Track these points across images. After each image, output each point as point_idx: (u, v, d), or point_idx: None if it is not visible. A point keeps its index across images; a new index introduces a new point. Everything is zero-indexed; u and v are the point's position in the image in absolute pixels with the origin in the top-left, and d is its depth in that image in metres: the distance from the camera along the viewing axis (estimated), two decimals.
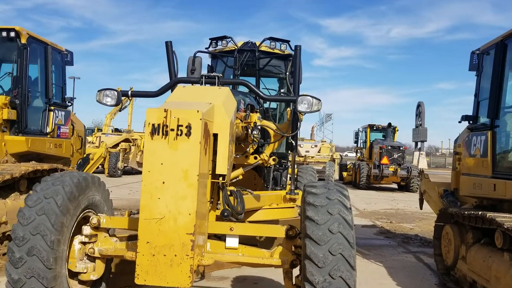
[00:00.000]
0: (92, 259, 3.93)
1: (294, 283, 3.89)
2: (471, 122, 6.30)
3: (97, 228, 3.87)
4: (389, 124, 22.86)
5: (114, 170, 20.22)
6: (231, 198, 4.68)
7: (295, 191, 6.36)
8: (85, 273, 3.89)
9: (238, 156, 6.49)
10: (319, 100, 4.47)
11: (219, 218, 4.11)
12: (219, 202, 4.11)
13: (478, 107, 6.23)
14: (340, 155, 25.44)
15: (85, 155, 9.76)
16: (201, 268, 3.38)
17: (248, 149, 6.21)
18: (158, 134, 3.11)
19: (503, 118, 5.56)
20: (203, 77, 4.30)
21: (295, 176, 8.89)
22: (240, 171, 6.45)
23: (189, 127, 3.11)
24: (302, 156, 22.83)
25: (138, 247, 3.09)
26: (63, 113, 8.49)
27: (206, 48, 7.50)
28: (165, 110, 3.12)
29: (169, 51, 5.84)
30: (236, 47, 7.41)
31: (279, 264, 3.81)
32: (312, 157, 22.99)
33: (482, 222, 4.99)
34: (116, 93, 4.25)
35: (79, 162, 9.52)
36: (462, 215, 5.54)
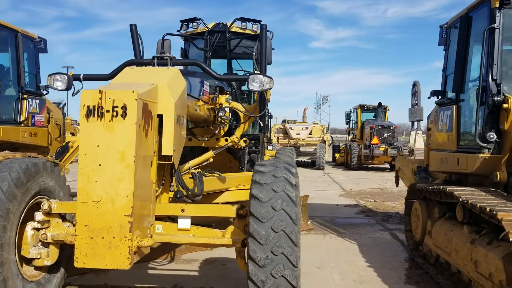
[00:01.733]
0: (45, 244, 3.92)
1: (246, 261, 3.91)
2: (439, 97, 6.27)
3: (49, 213, 3.86)
4: (379, 104, 22.81)
5: None
6: (190, 180, 4.69)
7: None
8: (38, 258, 3.89)
9: (207, 139, 6.49)
10: (271, 78, 4.43)
11: (175, 200, 4.12)
12: (172, 184, 4.11)
13: (446, 81, 6.19)
14: (331, 136, 25.41)
15: (64, 143, 9.71)
16: (146, 250, 3.36)
17: (217, 131, 6.19)
18: (94, 116, 3.09)
19: (468, 92, 5.53)
20: (155, 58, 4.26)
21: (274, 158, 8.91)
22: (210, 153, 6.45)
23: (124, 108, 3.08)
24: (293, 139, 22.81)
25: (77, 231, 3.10)
26: (37, 101, 8.42)
27: (177, 31, 7.43)
28: (100, 92, 3.10)
29: (133, 34, 5.77)
30: (207, 29, 7.34)
31: (230, 244, 3.82)
32: (303, 139, 22.95)
33: (445, 197, 5.00)
34: (66, 77, 4.21)
35: (58, 150, 9.49)
36: (427, 190, 5.55)
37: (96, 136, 3.08)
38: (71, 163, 10.06)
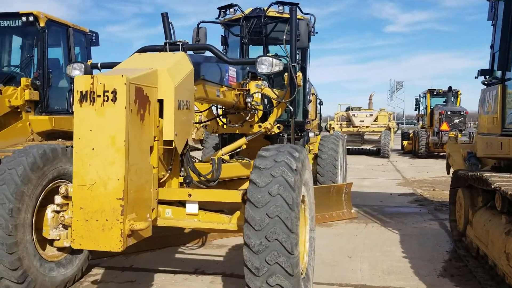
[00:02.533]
0: (65, 227, 4.08)
1: None
2: (487, 76, 5.76)
3: (66, 197, 4.00)
4: (450, 88, 21.52)
5: None
6: (207, 166, 4.67)
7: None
8: (58, 240, 4.07)
9: (237, 126, 6.45)
10: (280, 60, 4.28)
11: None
12: (182, 169, 4.11)
13: (493, 59, 5.66)
14: (397, 123, 24.34)
15: None
16: (145, 233, 3.39)
17: (248, 118, 6.13)
18: (86, 101, 3.14)
19: None
20: (167, 44, 4.27)
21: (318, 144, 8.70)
22: (242, 140, 6.41)
23: (114, 92, 3.10)
24: (356, 126, 22.19)
25: (73, 213, 3.18)
26: None
27: (216, 18, 7.41)
28: (92, 77, 3.14)
29: (165, 22, 5.82)
30: (243, 15, 7.27)
31: (235, 229, 3.76)
32: (367, 126, 22.22)
33: (481, 183, 4.60)
34: (83, 65, 4.33)
35: None
36: (467, 176, 5.14)
37: (88, 121, 3.13)
38: None
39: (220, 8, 7.32)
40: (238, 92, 5.65)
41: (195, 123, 11.06)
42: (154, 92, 3.47)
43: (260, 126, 6.36)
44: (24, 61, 7.89)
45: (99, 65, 4.48)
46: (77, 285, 4.47)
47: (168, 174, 3.94)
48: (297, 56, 8.12)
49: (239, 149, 6.34)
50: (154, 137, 3.53)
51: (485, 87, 5.85)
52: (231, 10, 7.21)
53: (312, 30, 8.28)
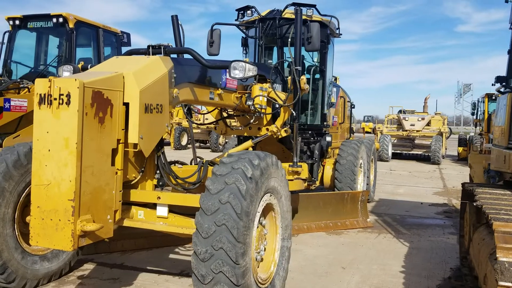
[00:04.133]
0: None
1: None
2: (503, 84, 5.36)
3: None
4: None
5: (178, 143, 22.06)
6: (192, 169, 4.69)
7: (299, 164, 6.08)
8: None
9: (241, 128, 6.43)
10: (254, 65, 4.21)
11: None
12: (158, 171, 4.16)
13: (511, 65, 5.27)
14: (450, 128, 23.16)
15: None
16: (104, 233, 3.46)
17: (251, 121, 6.10)
18: (44, 104, 3.25)
19: None
20: (150, 47, 4.34)
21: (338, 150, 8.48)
22: (248, 143, 6.41)
23: (68, 95, 3.19)
24: (406, 130, 21.41)
25: (31, 211, 3.30)
26: None
27: (235, 20, 7.43)
28: (50, 80, 3.25)
29: (174, 25, 5.93)
30: (259, 17, 7.23)
31: None
32: (418, 130, 21.37)
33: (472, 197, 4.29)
34: (73, 67, 4.49)
35: None
36: (469, 191, 4.82)
37: (46, 123, 3.24)
38: None
39: (238, 10, 7.32)
40: (240, 95, 5.64)
41: (202, 124, 11.13)
42: (118, 96, 3.53)
43: (267, 129, 6.32)
44: (53, 60, 8.30)
45: (89, 66, 4.63)
46: (64, 278, 4.64)
47: (140, 176, 4.00)
48: (315, 58, 8.03)
49: None
50: (119, 140, 3.60)
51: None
52: (248, 12, 7.19)
53: (337, 32, 8.11)
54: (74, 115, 3.18)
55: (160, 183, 4.10)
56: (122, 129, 3.61)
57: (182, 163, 5.17)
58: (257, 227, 3.72)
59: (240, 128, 6.46)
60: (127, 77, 3.59)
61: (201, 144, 23.80)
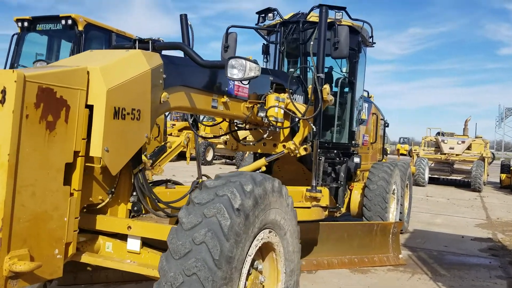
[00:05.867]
0: None
1: None
2: None
3: None
4: None
5: (203, 159, 20.53)
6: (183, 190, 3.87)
7: (318, 188, 5.17)
8: None
9: (254, 144, 5.61)
10: (257, 64, 3.37)
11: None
12: (134, 193, 3.35)
13: None
14: (492, 153, 21.59)
15: (162, 144, 9.70)
16: (46, 274, 2.66)
17: (265, 136, 5.26)
18: None
19: None
20: (136, 42, 3.59)
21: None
22: (261, 162, 5.58)
23: (4, 92, 2.43)
24: (445, 154, 20.03)
25: None
26: None
27: (256, 24, 6.66)
28: None
29: (183, 24, 5.20)
30: (281, 20, 6.44)
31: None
32: (457, 154, 19.97)
33: None
34: (46, 64, 3.78)
35: (154, 150, 9.49)
36: None
37: None
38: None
39: (258, 13, 6.55)
40: (251, 105, 4.82)
41: (208, 138, 10.34)
42: (78, 95, 2.76)
43: (284, 146, 5.47)
44: None
45: None
46: None
47: (109, 199, 3.21)
48: (344, 68, 7.15)
49: (258, 171, 5.48)
50: (77, 152, 2.81)
51: None
52: (270, 15, 6.42)
53: (370, 40, 7.22)
54: (8, 117, 2.41)
55: (135, 208, 3.29)
56: (83, 139, 2.83)
57: (176, 183, 4.36)
58: (249, 273, 2.85)
59: (253, 144, 5.63)
60: (93, 72, 2.82)
61: (227, 160, 23.08)
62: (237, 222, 2.42)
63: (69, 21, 7.46)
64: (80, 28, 7.48)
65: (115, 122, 2.90)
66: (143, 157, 7.21)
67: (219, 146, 20.90)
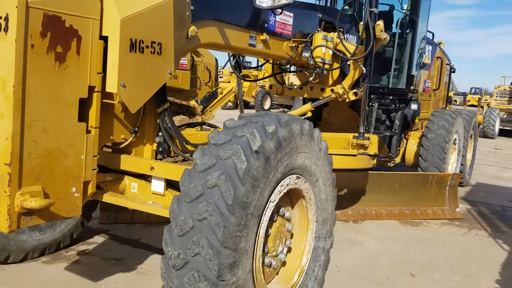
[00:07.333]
0: None
1: None
2: None
3: None
4: None
5: (261, 107, 20.02)
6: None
7: (366, 135, 4.80)
8: None
9: (299, 88, 5.27)
10: None
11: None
12: (160, 133, 3.18)
13: None
14: None
15: (213, 89, 9.52)
16: (62, 211, 2.58)
17: (310, 79, 4.89)
18: None
19: None
20: None
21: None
22: (307, 107, 5.28)
23: (6, 19, 2.26)
24: None
25: None
26: None
27: None
28: None
29: None
30: None
31: None
32: None
33: None
34: None
35: (205, 95, 9.37)
36: None
37: None
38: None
39: None
40: (294, 44, 4.45)
41: (250, 80, 9.98)
42: (90, 25, 2.54)
43: (332, 91, 5.10)
44: None
45: None
46: (61, 253, 3.92)
47: (132, 138, 3.06)
48: (406, 5, 6.53)
49: (303, 117, 5.18)
50: (93, 87, 2.64)
51: None
52: None
53: None
54: (11, 46, 2.25)
55: (160, 148, 3.13)
56: (99, 73, 2.64)
57: (211, 126, 4.17)
58: (274, 220, 2.62)
59: (299, 87, 5.29)
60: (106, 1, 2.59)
61: (285, 110, 22.70)
62: (255, 166, 2.18)
63: None
64: None
65: (132, 55, 2.68)
66: (193, 102, 7.08)
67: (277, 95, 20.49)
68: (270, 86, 5.70)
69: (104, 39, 2.64)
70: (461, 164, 7.44)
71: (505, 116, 18.80)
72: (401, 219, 5.63)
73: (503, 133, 18.74)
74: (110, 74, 2.63)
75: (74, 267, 3.69)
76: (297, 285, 2.81)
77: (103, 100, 2.74)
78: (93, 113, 2.69)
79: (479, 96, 27.64)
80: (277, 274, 2.79)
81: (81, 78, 2.56)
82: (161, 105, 3.05)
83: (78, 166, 2.64)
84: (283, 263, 2.81)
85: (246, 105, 21.66)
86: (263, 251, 2.51)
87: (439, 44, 8.40)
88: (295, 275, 2.81)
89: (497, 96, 19.98)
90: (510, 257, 4.63)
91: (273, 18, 4.13)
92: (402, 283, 3.84)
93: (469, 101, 28.76)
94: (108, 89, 2.65)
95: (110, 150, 3.21)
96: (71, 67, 2.50)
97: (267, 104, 21.63)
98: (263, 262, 2.53)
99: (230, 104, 20.42)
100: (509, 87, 19.69)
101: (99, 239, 4.30)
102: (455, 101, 31.62)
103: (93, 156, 2.73)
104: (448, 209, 5.97)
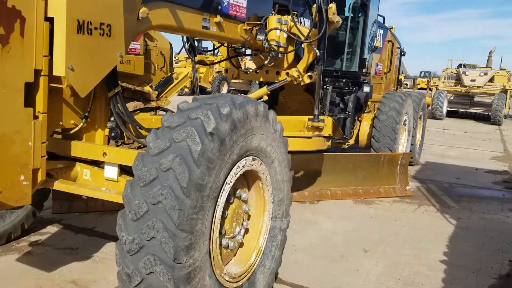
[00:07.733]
0: None
1: None
2: None
3: None
4: None
5: (217, 92, 20.06)
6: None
7: (321, 117, 4.87)
8: None
9: (255, 72, 5.27)
10: None
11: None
12: (112, 118, 3.11)
13: None
14: None
15: (168, 74, 9.37)
16: (9, 200, 2.49)
17: (266, 62, 4.90)
18: None
19: None
20: None
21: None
22: (262, 90, 5.28)
23: None
24: (465, 86, 19.28)
25: None
26: None
27: None
28: None
29: None
30: None
31: None
32: (478, 87, 19.18)
33: None
34: None
35: (160, 81, 9.21)
36: None
37: None
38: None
39: None
40: (249, 27, 4.43)
41: (205, 64, 10.08)
42: (34, 6, 2.44)
43: (287, 74, 5.12)
44: None
45: None
46: (12, 244, 3.80)
47: (83, 123, 2.98)
48: None
49: (260, 100, 5.19)
50: (39, 71, 2.54)
51: None
52: None
53: None
54: None
55: (112, 134, 3.06)
56: (45, 56, 2.55)
57: (165, 110, 4.10)
58: (231, 202, 2.64)
59: (254, 71, 5.29)
60: None
61: (243, 95, 22.69)
62: (210, 148, 2.17)
63: None
64: None
65: (80, 37, 2.59)
66: (148, 88, 6.93)
67: (235, 80, 20.44)
68: (226, 70, 5.67)
69: (50, 20, 2.54)
70: (411, 144, 7.70)
71: (452, 98, 19.54)
72: (355, 198, 5.79)
73: (450, 114, 19.52)
74: (57, 57, 2.53)
75: (26, 258, 3.58)
76: (254, 265, 2.84)
77: (51, 84, 2.64)
78: (40, 97, 2.58)
79: (428, 79, 28.54)
80: (234, 255, 2.81)
81: (26, 61, 2.46)
82: (112, 89, 2.97)
83: (26, 153, 2.55)
84: (241, 244, 2.84)
85: (203, 91, 21.50)
86: (220, 232, 2.53)
87: (390, 28, 8.60)
88: (253, 255, 2.85)
89: (444, 79, 20.70)
90: (457, 230, 4.87)
91: (227, 1, 4.10)
92: (356, 259, 3.97)
93: (419, 84, 29.66)
94: (55, 73, 2.55)
95: (60, 136, 3.12)
96: (15, 50, 2.39)
97: (224, 90, 21.53)
98: (220, 244, 2.55)
99: (186, 90, 20.14)
100: (456, 70, 20.44)
101: (52, 229, 4.19)
102: (406, 84, 32.60)
103: (42, 143, 2.63)
104: (399, 187, 6.19)
